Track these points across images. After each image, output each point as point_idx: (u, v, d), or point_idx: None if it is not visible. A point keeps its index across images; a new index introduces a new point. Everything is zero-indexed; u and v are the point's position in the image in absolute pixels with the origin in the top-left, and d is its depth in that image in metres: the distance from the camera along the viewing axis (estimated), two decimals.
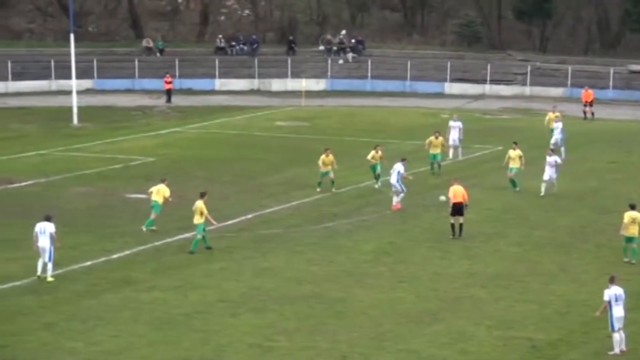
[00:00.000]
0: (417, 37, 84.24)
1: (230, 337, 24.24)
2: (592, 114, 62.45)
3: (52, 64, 72.49)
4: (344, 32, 79.99)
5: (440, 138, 44.15)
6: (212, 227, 31.96)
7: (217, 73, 76.15)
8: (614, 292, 23.38)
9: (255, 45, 78.02)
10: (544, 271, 30.05)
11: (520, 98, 72.82)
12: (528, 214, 37.12)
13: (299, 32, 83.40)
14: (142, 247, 31.94)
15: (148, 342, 23.91)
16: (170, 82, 69.06)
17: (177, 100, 68.58)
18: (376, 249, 32.26)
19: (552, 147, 44.49)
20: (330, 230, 34.70)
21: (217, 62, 76.27)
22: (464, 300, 27.25)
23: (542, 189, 39.23)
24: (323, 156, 40.12)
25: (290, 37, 79.24)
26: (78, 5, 76.10)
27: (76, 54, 60.70)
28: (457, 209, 33.29)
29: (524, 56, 77.94)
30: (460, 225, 33.38)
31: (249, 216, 36.45)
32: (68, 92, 62.36)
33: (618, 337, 23.18)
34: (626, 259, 30.81)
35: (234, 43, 78.53)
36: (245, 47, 78.20)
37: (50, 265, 28.52)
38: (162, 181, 34.71)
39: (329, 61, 77.20)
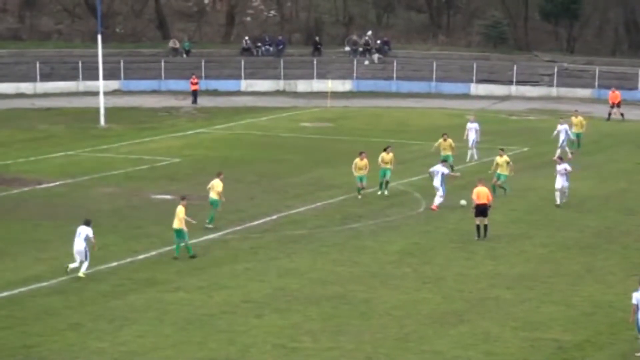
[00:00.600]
0: (443, 38, 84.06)
1: (255, 337, 24.31)
2: (622, 115, 61.96)
3: (80, 65, 72.87)
4: (369, 33, 79.93)
5: (449, 140, 43.52)
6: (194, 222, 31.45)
7: (242, 74, 76.29)
8: None
9: (281, 46, 78.12)
10: (569, 272, 29.93)
11: (546, 99, 72.51)
12: (554, 215, 36.97)
13: (325, 33, 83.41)
14: (167, 248, 32.06)
15: (173, 342, 24.01)
16: (196, 83, 69.27)
17: (202, 101, 68.79)
18: (401, 250, 32.25)
19: (558, 154, 44.21)
20: (355, 231, 34.71)
21: (242, 63, 76.42)
22: (489, 301, 27.19)
23: (557, 198, 37.86)
24: (357, 160, 39.05)
25: (316, 38, 79.27)
26: (105, 6, 76.51)
27: (103, 55, 61.02)
28: (481, 211, 33.23)
29: (551, 57, 77.60)
30: (485, 226, 33.30)
31: (274, 217, 36.51)
32: (95, 93, 62.70)
33: None
34: None
35: (259, 44, 78.65)
36: (271, 48, 78.31)
37: (85, 264, 29.05)
38: (218, 175, 34.84)
39: (355, 62, 77.17)
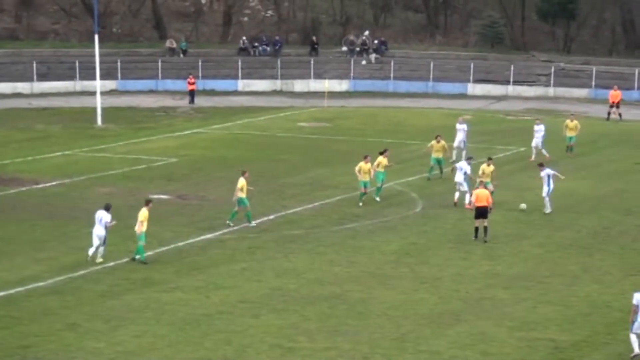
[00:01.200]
0: (440, 38, 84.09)
1: (252, 337, 24.31)
2: (620, 115, 61.95)
3: (77, 64, 72.84)
4: (366, 33, 79.97)
5: (442, 142, 42.98)
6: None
7: (239, 74, 76.28)
8: None
9: (278, 46, 78.12)
10: (566, 272, 29.95)
11: (543, 99, 72.56)
12: (551, 215, 36.99)
13: (322, 33, 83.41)
14: (164, 248, 32.06)
15: (170, 342, 24.01)
16: (193, 83, 69.26)
17: (200, 101, 68.77)
18: (398, 250, 32.26)
19: (534, 155, 44.07)
20: (352, 231, 34.72)
21: (240, 63, 76.41)
22: (485, 301, 27.21)
23: (547, 204, 36.95)
24: (362, 163, 38.08)
25: (313, 38, 79.26)
26: (102, 6, 76.44)
27: (100, 55, 61.00)
28: (481, 213, 33.13)
29: (548, 57, 77.64)
30: (485, 227, 33.22)
31: (271, 217, 36.50)
32: (92, 93, 62.69)
33: (635, 338, 22.96)
34: None
35: (256, 44, 78.63)
36: (268, 48, 78.31)
37: (102, 249, 30.20)
38: (242, 173, 34.81)
39: (352, 62, 77.19)
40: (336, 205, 38.65)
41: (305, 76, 76.55)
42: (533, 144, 48.04)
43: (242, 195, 34.39)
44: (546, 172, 36.95)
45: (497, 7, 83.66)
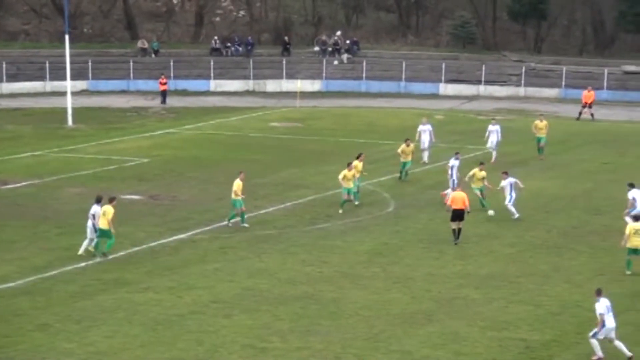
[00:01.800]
0: (412, 38, 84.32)
1: (224, 337, 24.28)
2: (592, 115, 62.29)
3: (47, 65, 72.46)
4: (338, 33, 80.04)
5: (412, 145, 43.00)
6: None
7: (212, 74, 76.16)
8: (604, 304, 23.21)
9: (250, 47, 78.06)
10: (537, 272, 30.11)
11: (514, 99, 72.91)
12: (521, 214, 37.15)
13: (294, 33, 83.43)
14: (136, 248, 31.96)
15: (142, 342, 23.93)
16: (165, 83, 69.10)
17: (171, 101, 68.60)
18: (370, 250, 32.31)
19: (494, 158, 43.96)
20: (324, 231, 34.74)
21: (212, 63, 76.28)
22: (457, 301, 27.30)
23: (514, 211, 36.12)
24: (345, 171, 37.27)
25: (285, 38, 79.27)
26: (73, 6, 76.11)
27: (71, 55, 60.72)
28: (458, 215, 32.97)
29: (519, 57, 78.03)
30: (459, 230, 33.08)
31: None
32: (63, 93, 62.37)
33: (597, 342, 23.06)
34: (628, 272, 29.67)
35: (229, 44, 78.54)
36: (240, 48, 78.22)
37: (87, 241, 30.92)
38: (239, 174, 34.74)
39: (324, 62, 77.25)
40: (308, 205, 38.66)
41: (277, 76, 76.55)
42: (488, 144, 47.51)
43: (237, 197, 34.19)
44: (509, 180, 36.05)
45: (469, 7, 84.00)
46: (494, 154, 47.07)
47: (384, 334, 24.65)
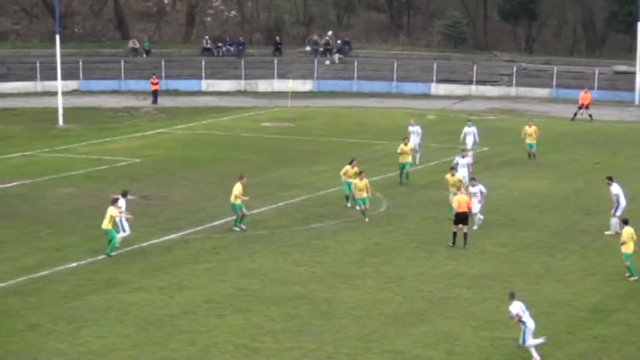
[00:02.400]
0: (404, 38, 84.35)
1: (217, 337, 24.26)
2: (590, 116, 62.31)
3: (38, 65, 72.32)
4: (330, 33, 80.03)
5: (410, 145, 42.57)
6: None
7: (203, 74, 76.07)
8: (518, 305, 23.02)
9: (242, 46, 78.01)
10: (529, 272, 30.14)
11: (505, 99, 72.99)
12: (513, 214, 37.22)
13: (286, 33, 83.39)
14: (128, 249, 31.90)
15: (134, 343, 23.90)
16: (156, 83, 69.01)
17: (163, 101, 68.52)
18: (362, 250, 32.32)
19: (464, 153, 43.63)
20: (317, 231, 34.73)
21: (203, 63, 76.21)
22: (449, 300, 27.32)
23: (476, 223, 34.66)
24: (357, 180, 36.02)
25: (277, 38, 79.23)
26: (64, 6, 75.96)
27: (62, 55, 60.62)
28: (462, 218, 32.46)
29: (510, 57, 78.12)
30: (465, 234, 32.49)
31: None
32: (54, 93, 62.25)
33: (534, 349, 22.86)
34: (635, 278, 29.11)
35: (220, 44, 78.47)
36: (232, 48, 78.15)
37: (120, 235, 31.58)
38: (240, 178, 34.41)
39: (316, 62, 77.24)
40: (300, 205, 38.65)
41: (269, 76, 76.51)
42: (468, 146, 46.54)
43: (237, 201, 33.97)
44: (479, 187, 34.73)
45: (460, 7, 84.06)
46: (471, 154, 46.58)
47: (376, 334, 24.65)
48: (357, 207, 36.47)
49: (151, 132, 56.98)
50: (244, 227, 34.35)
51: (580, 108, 62.73)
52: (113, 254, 30.94)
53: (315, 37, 79.60)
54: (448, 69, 76.58)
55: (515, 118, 61.45)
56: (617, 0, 78.50)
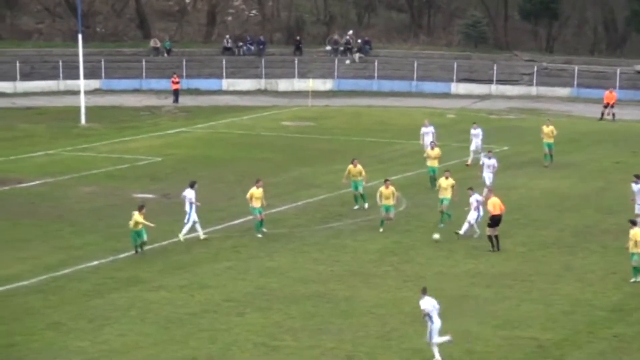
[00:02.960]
0: (424, 37, 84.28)
1: (237, 336, 24.37)
2: (613, 115, 62.11)
3: (60, 64, 72.67)
4: (350, 32, 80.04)
5: (437, 149, 41.71)
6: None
7: (224, 73, 76.25)
8: (429, 302, 22.90)
9: (262, 46, 78.14)
10: (549, 271, 30.10)
11: (526, 98, 72.80)
12: (533, 214, 37.17)
13: (306, 32, 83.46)
14: (149, 247, 32.05)
15: (155, 341, 24.04)
16: (177, 83, 69.22)
17: (184, 100, 68.73)
18: (381, 249, 32.36)
19: (471, 160, 43.51)
20: (336, 230, 34.80)
21: (224, 62, 76.38)
22: (469, 299, 27.33)
23: (463, 228, 33.56)
24: (382, 188, 34.51)
25: (297, 38, 79.31)
26: (86, 5, 76.28)
27: (84, 54, 60.91)
28: (497, 221, 32.16)
29: (530, 56, 77.91)
30: (496, 236, 32.18)
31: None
32: (76, 92, 62.57)
33: (437, 349, 22.74)
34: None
35: (241, 43, 78.61)
36: (252, 48, 78.30)
37: (185, 227, 32.42)
38: (256, 182, 33.90)
39: (336, 61, 77.26)
40: (320, 204, 38.72)
41: (289, 75, 76.59)
42: (472, 147, 46.12)
43: (255, 204, 33.62)
44: (475, 197, 33.72)
45: (480, 6, 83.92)
46: (472, 155, 46.31)
47: (396, 333, 24.70)
48: (383, 213, 34.86)
49: (172, 131, 57.18)
50: (265, 230, 34.08)
51: (605, 107, 62.50)
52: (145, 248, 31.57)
53: (335, 37, 79.64)
54: (468, 68, 76.45)
55: (536, 117, 61.26)
56: (637, 0, 78.12)
